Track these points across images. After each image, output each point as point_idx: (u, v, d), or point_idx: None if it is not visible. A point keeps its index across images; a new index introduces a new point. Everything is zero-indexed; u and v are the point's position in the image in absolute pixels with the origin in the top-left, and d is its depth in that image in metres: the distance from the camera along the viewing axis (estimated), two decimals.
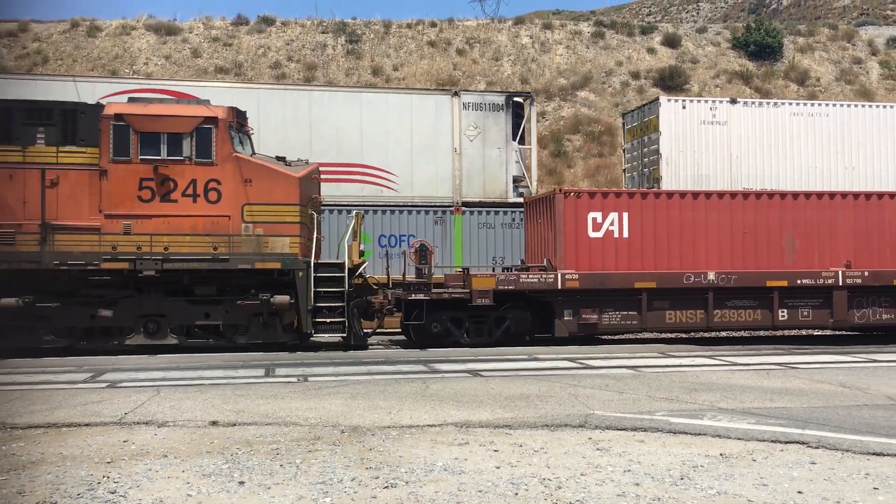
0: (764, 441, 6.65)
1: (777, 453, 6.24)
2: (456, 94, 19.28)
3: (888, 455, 6.16)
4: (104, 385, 10.03)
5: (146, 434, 6.90)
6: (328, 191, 16.78)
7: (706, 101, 20.14)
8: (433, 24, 37.95)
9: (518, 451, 6.29)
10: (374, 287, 15.25)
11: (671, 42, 38.50)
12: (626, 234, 15.36)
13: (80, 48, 33.76)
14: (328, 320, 14.31)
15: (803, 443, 6.56)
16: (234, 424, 7.30)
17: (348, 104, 18.63)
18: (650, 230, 15.45)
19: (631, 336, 16.55)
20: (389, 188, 18.59)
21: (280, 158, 14.71)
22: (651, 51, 37.90)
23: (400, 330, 15.88)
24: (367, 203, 18.10)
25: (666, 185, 18.63)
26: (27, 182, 13.39)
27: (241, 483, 5.37)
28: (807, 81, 36.79)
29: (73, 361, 12.56)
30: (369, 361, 12.51)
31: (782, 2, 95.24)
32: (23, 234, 13.31)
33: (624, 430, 7.08)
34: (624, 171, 22.03)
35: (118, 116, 13.60)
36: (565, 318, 15.10)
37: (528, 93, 21.11)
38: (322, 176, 15.77)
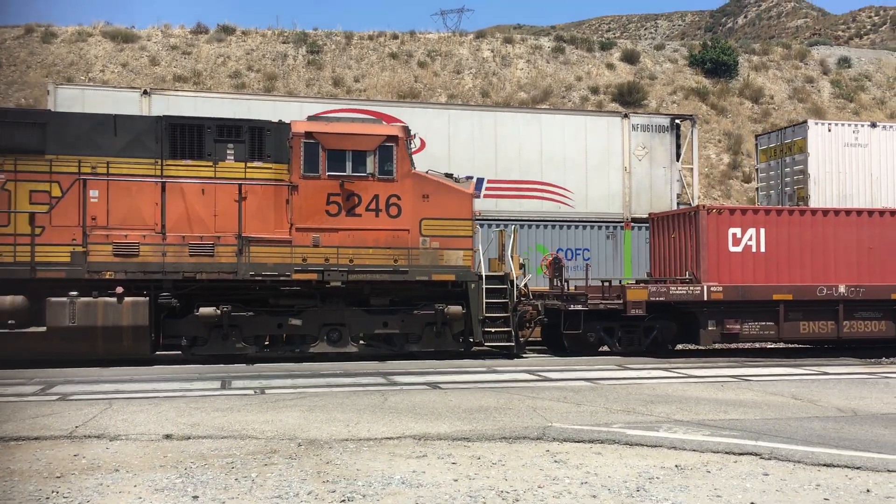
0: (718, 452, 6.74)
1: (731, 465, 6.33)
2: (626, 116, 20.47)
3: (838, 466, 6.28)
4: (55, 398, 9.81)
5: (97, 448, 6.76)
6: (510, 206, 18.89)
7: (850, 125, 21.62)
8: (395, 37, 38.01)
9: (476, 463, 6.28)
10: (524, 298, 15.80)
11: (630, 58, 39.05)
12: (762, 249, 16.15)
13: (35, 54, 33.16)
14: (494, 329, 14.92)
15: (756, 454, 6.66)
16: (189, 438, 7.19)
17: (529, 125, 19.71)
18: (784, 245, 16.23)
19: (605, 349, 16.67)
20: (566, 204, 19.63)
21: (448, 175, 15.37)
22: (610, 66, 38.39)
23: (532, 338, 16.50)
24: (546, 218, 19.34)
25: (813, 204, 19.71)
26: (217, 196, 13.94)
27: (195, 498, 5.29)
28: (761, 99, 37.56)
29: (24, 374, 12.28)
30: (328, 374, 12.42)
31: (738, 21, 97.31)
32: (221, 246, 13.91)
33: (581, 442, 7.12)
34: (757, 189, 23.18)
35: (308, 134, 14.16)
36: (709, 328, 15.76)
37: (691, 115, 22.27)
38: (505, 192, 18.20)
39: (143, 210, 13.71)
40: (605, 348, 16.10)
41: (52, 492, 5.39)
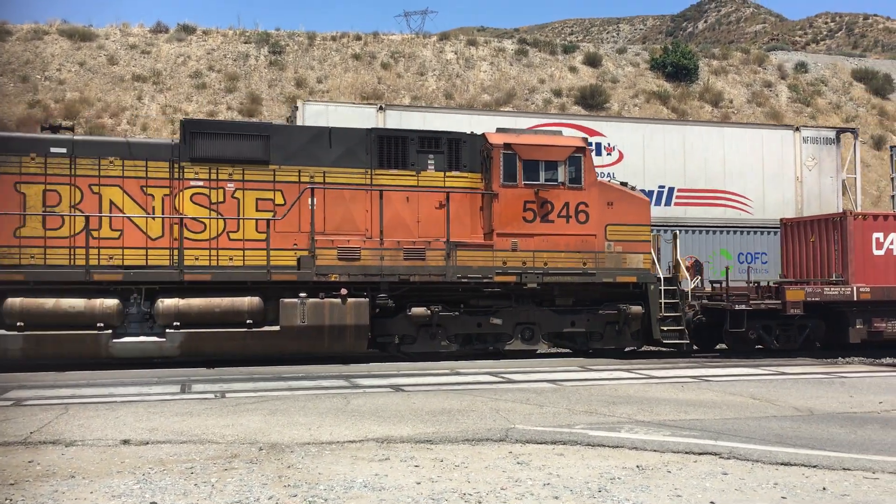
0: (678, 452, 6.80)
1: (691, 464, 6.39)
2: (797, 129, 22.16)
3: (795, 464, 6.38)
4: (9, 403, 9.60)
5: (53, 454, 6.63)
6: (698, 213, 20.56)
7: None
8: (358, 38, 37.89)
9: (439, 466, 6.27)
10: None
11: (592, 61, 39.36)
12: None
13: None
14: (666, 328, 15.87)
15: (716, 454, 6.74)
16: (147, 443, 7.08)
17: (712, 137, 21.39)
18: None
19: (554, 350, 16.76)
20: (746, 211, 21.27)
21: (623, 184, 16.48)
22: (573, 69, 38.66)
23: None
24: (729, 225, 20.95)
25: None
26: (420, 203, 15.07)
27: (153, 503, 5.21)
28: (720, 103, 38.10)
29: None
30: (289, 377, 12.32)
31: (698, 25, 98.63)
32: (431, 251, 14.95)
33: (544, 443, 7.15)
34: (892, 196, 24.37)
35: (507, 146, 15.21)
36: (857, 327, 16.79)
37: (854, 128, 23.61)
38: (693, 200, 20.06)
39: (355, 216, 14.79)
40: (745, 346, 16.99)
41: (6, 499, 5.26)
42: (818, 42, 78.81)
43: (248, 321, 13.91)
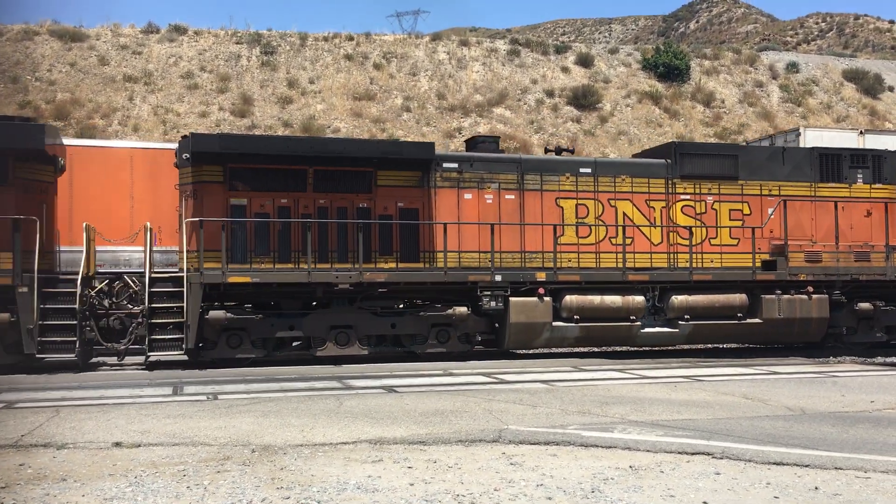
0: (671, 452, 6.81)
1: (684, 464, 6.40)
2: None
3: (788, 464, 6.39)
4: (0, 405, 9.56)
5: (44, 457, 6.60)
6: None
7: None
8: (350, 38, 37.87)
9: (432, 467, 6.26)
10: None
11: (584, 62, 39.42)
12: None
13: None
14: None
15: (709, 454, 6.75)
16: (139, 445, 7.05)
17: None
18: None
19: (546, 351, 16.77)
20: None
21: None
22: (565, 70, 38.71)
23: None
24: None
25: None
26: (851, 212, 17.02)
27: None
28: (712, 103, 38.21)
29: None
30: (282, 378, 12.30)
31: (689, 26, 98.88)
32: (874, 253, 16.95)
33: (537, 444, 7.15)
34: None
35: None
36: None
37: None
38: None
39: (803, 224, 16.80)
40: None
41: None
42: (809, 42, 79.09)
43: (738, 314, 16.17)
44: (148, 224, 14.43)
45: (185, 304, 13.54)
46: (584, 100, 36.07)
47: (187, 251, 13.79)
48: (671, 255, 16.32)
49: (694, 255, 16.17)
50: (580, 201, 16.00)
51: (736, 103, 38.75)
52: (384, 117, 33.00)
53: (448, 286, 14.97)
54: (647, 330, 15.89)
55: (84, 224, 14.60)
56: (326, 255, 14.63)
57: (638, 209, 16.27)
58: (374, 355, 14.94)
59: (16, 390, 10.93)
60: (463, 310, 14.92)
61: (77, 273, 13.79)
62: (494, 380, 12.13)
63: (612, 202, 16.14)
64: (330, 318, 14.62)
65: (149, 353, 13.60)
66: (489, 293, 14.96)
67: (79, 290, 13.48)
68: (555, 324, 15.26)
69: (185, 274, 13.67)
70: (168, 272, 14.65)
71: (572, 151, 17.46)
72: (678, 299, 15.90)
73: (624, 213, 16.14)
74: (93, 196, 16.43)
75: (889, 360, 15.48)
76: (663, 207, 16.38)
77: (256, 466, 6.26)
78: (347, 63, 36.16)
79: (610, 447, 7.02)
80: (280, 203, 14.56)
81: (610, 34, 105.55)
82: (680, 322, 15.91)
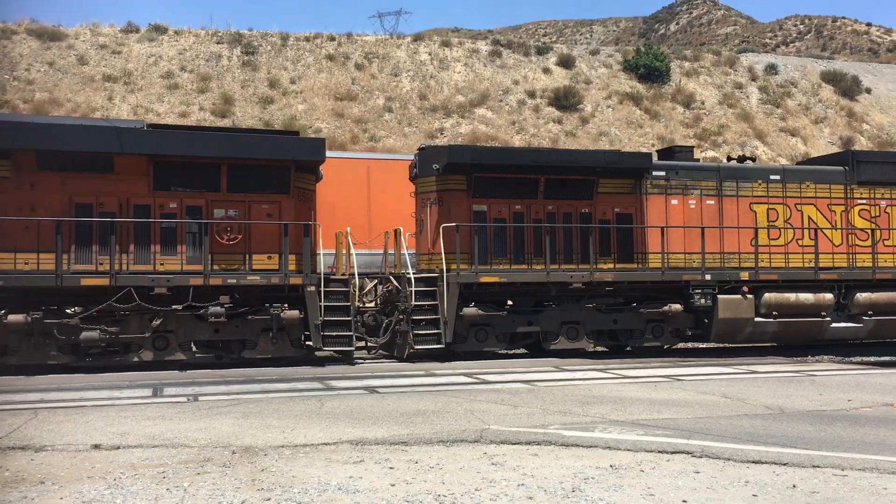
0: (652, 452, 6.85)
1: (664, 463, 6.44)
2: None
3: (766, 462, 6.45)
4: None
5: (22, 460, 6.53)
6: None
7: None
8: (332, 38, 37.79)
9: (413, 467, 6.26)
10: None
11: (566, 63, 39.56)
12: None
13: None
14: None
15: (688, 452, 6.79)
16: (118, 447, 7.00)
17: None
18: None
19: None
20: None
21: None
22: (546, 71, 38.83)
23: None
24: None
25: None
26: None
27: None
28: (692, 104, 38.45)
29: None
30: (263, 379, 12.25)
31: (670, 27, 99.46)
32: None
33: (518, 444, 7.16)
34: None
35: None
36: None
37: None
38: None
39: None
40: None
41: None
42: (788, 44, 79.81)
43: None
44: (401, 228, 15.89)
45: (442, 302, 14.89)
46: (565, 101, 36.19)
47: (435, 253, 15.35)
48: (850, 256, 17.49)
49: (871, 255, 17.43)
50: (771, 206, 17.26)
51: (716, 105, 39.03)
52: (366, 118, 32.95)
53: (663, 285, 16.34)
54: (835, 325, 17.04)
55: (346, 230, 15.81)
56: (555, 256, 15.81)
57: (821, 213, 17.52)
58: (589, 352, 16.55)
59: None
60: (677, 306, 16.20)
61: (342, 274, 15.45)
62: (476, 380, 12.14)
63: (799, 207, 17.38)
64: (561, 315, 15.88)
65: (414, 347, 14.80)
66: (699, 291, 16.26)
67: (357, 288, 15.34)
68: (756, 319, 16.44)
69: (444, 274, 14.92)
70: (414, 274, 15.36)
71: (754, 160, 19.00)
72: (862, 296, 17.07)
73: (809, 217, 17.36)
74: (337, 203, 17.81)
75: (866, 359, 15.65)
76: (843, 211, 17.64)
77: (237, 468, 6.24)
78: (329, 63, 36.08)
79: (591, 446, 7.05)
80: (514, 209, 15.81)
81: (591, 35, 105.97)
82: (863, 318, 17.13)
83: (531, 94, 36.59)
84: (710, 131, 36.43)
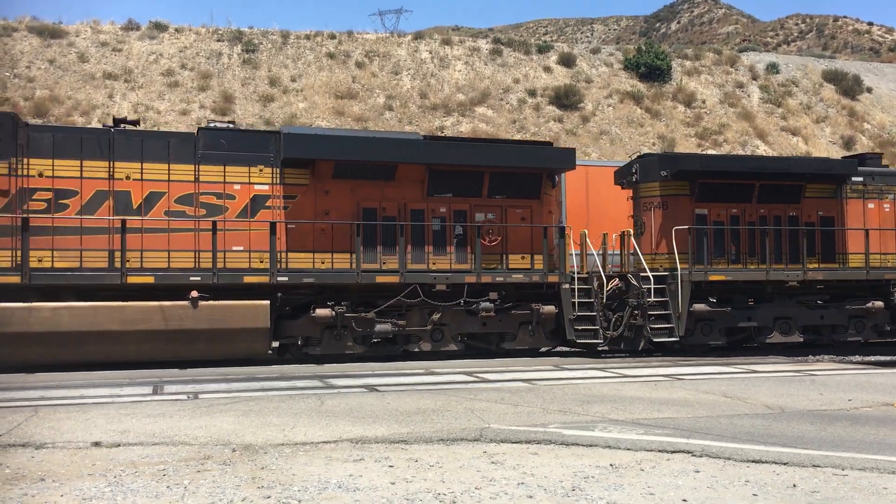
0: (652, 451, 6.85)
1: (664, 462, 6.44)
2: None
3: (766, 462, 6.44)
4: None
5: (22, 457, 6.54)
6: None
7: None
8: (332, 36, 37.77)
9: (414, 466, 6.26)
10: None
11: (566, 61, 39.53)
12: None
13: None
14: None
15: (688, 452, 6.79)
16: (119, 445, 7.00)
17: None
18: None
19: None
20: None
21: None
22: (547, 69, 38.80)
23: None
24: None
25: None
26: None
27: None
28: (693, 103, 38.43)
29: None
30: (263, 377, 12.26)
31: (671, 26, 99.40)
32: None
33: (518, 442, 7.16)
34: None
35: None
36: None
37: None
38: None
39: None
40: None
41: None
42: (789, 43, 79.76)
43: None
44: (630, 231, 17.22)
45: (674, 298, 16.07)
46: (566, 99, 36.17)
47: (659, 253, 16.64)
48: None
49: None
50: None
51: (717, 104, 39.01)
52: (366, 116, 32.94)
53: (866, 283, 17.55)
54: None
55: (583, 232, 16.86)
56: (765, 256, 16.85)
57: None
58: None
59: None
60: (879, 303, 17.42)
61: (585, 273, 16.33)
62: (476, 379, 12.14)
63: None
64: (775, 311, 17.05)
65: (653, 339, 16.06)
66: None
67: (605, 286, 16.31)
68: None
69: (678, 272, 16.06)
70: (652, 273, 16.30)
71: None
72: None
73: None
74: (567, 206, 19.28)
75: (866, 359, 15.64)
76: None
77: (237, 466, 6.24)
78: (329, 61, 36.06)
79: (591, 445, 7.05)
80: (731, 212, 16.99)
81: (592, 34, 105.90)
82: None
83: (532, 93, 36.57)
84: (711, 130, 36.42)
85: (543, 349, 16.09)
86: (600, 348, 16.47)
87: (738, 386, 11.33)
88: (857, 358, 15.83)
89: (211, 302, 13.75)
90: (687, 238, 16.25)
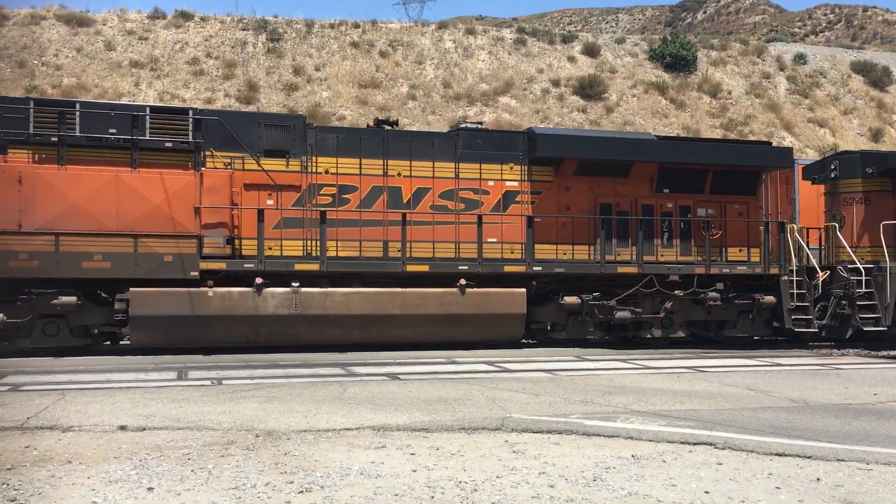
0: (674, 442, 6.83)
1: (686, 454, 6.42)
2: None
3: (790, 455, 6.40)
4: (6, 388, 9.61)
5: (50, 439, 6.64)
6: None
7: None
8: (356, 25, 37.77)
9: (435, 454, 6.29)
10: None
11: (591, 51, 39.28)
12: None
13: None
14: None
15: (711, 444, 6.76)
16: (144, 429, 7.09)
17: None
18: None
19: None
20: None
21: None
22: (571, 59, 38.58)
23: None
24: None
25: None
26: None
27: (150, 489, 5.22)
28: (719, 94, 38.06)
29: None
30: (286, 364, 12.34)
31: (697, 16, 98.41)
32: None
33: (540, 432, 7.17)
34: None
35: None
36: None
37: None
38: None
39: None
40: None
41: (2, 483, 5.28)
42: (817, 34, 78.69)
43: None
44: (835, 225, 17.50)
45: (881, 289, 16.50)
46: (590, 89, 35.96)
47: (861, 246, 17.00)
48: None
49: None
50: None
51: (742, 94, 38.61)
52: (389, 105, 32.94)
53: None
54: None
55: (792, 227, 17.24)
56: None
57: None
58: None
59: (22, 373, 10.98)
60: None
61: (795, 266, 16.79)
62: (498, 368, 12.16)
63: None
64: None
65: (864, 327, 16.45)
66: None
67: (822, 278, 16.75)
68: None
69: (888, 265, 16.50)
70: (863, 265, 16.71)
71: None
72: None
73: None
74: None
75: (892, 353, 15.47)
76: None
77: (260, 451, 6.30)
78: (353, 50, 36.08)
79: (612, 436, 7.04)
80: None
81: (617, 24, 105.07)
82: None
83: (556, 83, 36.39)
84: (737, 121, 36.06)
85: (756, 337, 17.11)
86: (810, 338, 17.08)
87: (761, 378, 11.25)
88: (884, 352, 15.66)
89: (476, 289, 14.97)
90: (893, 232, 16.79)
